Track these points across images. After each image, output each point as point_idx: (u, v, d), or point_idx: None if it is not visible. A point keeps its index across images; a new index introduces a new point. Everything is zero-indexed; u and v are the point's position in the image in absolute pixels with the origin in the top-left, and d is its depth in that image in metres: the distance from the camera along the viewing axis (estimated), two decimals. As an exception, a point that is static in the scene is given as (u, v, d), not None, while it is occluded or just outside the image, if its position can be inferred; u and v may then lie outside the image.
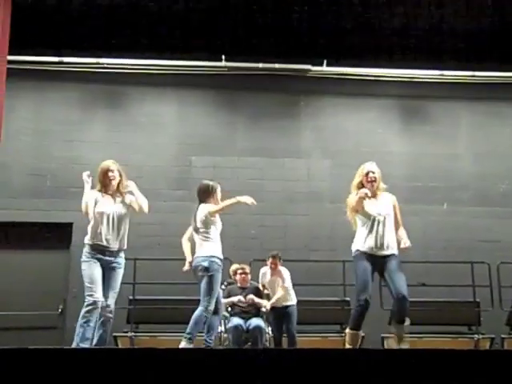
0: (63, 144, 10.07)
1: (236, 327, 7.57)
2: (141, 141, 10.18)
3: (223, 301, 7.39)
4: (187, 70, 10.25)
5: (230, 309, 7.84)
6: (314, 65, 10.35)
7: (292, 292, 7.96)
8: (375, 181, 6.11)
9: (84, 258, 6.01)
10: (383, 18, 9.77)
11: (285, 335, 7.81)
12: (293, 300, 7.94)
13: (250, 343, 7.64)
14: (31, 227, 9.55)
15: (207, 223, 6.62)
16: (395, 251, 5.93)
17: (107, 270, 5.97)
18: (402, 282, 5.70)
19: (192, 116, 10.44)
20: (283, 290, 7.85)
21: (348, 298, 8.57)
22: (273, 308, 7.81)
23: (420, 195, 10.14)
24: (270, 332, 7.89)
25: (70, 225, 9.52)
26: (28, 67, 10.03)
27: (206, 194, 6.88)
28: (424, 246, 9.66)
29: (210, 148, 10.23)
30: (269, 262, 8.00)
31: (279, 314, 7.87)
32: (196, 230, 6.69)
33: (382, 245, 5.87)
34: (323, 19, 9.78)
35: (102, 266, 5.95)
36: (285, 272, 8.01)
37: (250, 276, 8.09)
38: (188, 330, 6.24)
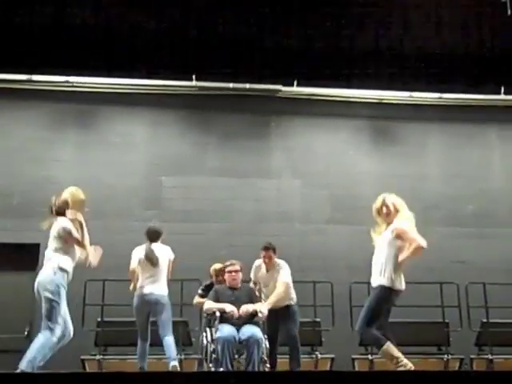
0: (32, 163, 9.95)
1: (227, 338, 6.36)
2: (112, 160, 10.11)
3: (210, 305, 6.68)
4: (158, 89, 10.24)
5: (217, 314, 6.63)
6: (284, 85, 10.40)
7: (292, 289, 6.99)
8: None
9: None
10: (353, 40, 9.89)
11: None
12: (294, 299, 6.98)
13: (242, 356, 6.57)
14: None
15: None
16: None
17: None
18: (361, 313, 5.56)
19: (163, 136, 10.40)
20: (283, 287, 6.78)
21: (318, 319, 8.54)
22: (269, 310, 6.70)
23: (390, 216, 10.18)
24: (267, 343, 6.61)
25: (37, 246, 9.38)
26: (-4, 85, 9.95)
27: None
28: (394, 266, 9.70)
29: (181, 168, 10.20)
30: (262, 255, 7.00)
31: (277, 315, 6.78)
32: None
33: None
34: (294, 40, 9.87)
35: None
36: (283, 266, 6.97)
37: (241, 274, 6.92)
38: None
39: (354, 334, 7.44)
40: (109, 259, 9.18)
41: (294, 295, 6.97)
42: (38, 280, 5.87)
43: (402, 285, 5.69)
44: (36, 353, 5.73)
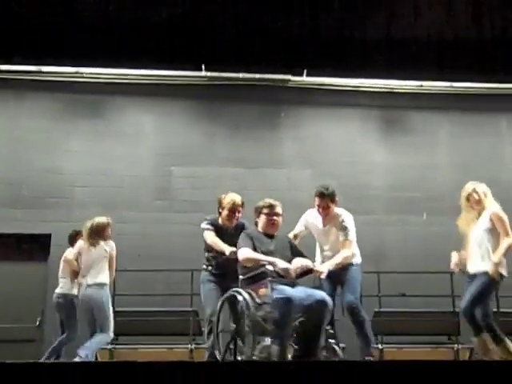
0: (42, 154, 9.98)
1: (290, 300, 4.77)
2: (121, 151, 10.12)
3: (255, 256, 5.13)
4: (168, 79, 10.23)
5: (270, 268, 4.99)
6: (294, 75, 10.37)
7: (357, 248, 5.89)
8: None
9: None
10: (363, 29, 9.86)
11: None
12: (357, 257, 5.85)
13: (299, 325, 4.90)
14: (7, 238, 9.43)
15: None
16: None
17: None
18: None
19: (172, 126, 10.41)
20: (350, 246, 5.66)
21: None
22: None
23: (400, 205, 10.19)
24: None
25: (49, 236, 9.44)
26: (6, 76, 9.97)
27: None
28: (404, 256, 9.71)
29: (191, 158, 10.20)
30: (316, 204, 5.73)
31: (334, 278, 5.56)
32: None
33: None
34: (304, 29, 9.85)
35: None
36: (346, 216, 5.77)
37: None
38: None
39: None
40: (119, 249, 9.28)
41: (358, 253, 5.90)
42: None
43: (505, 270, 5.79)
44: (95, 346, 6.60)
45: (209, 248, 5.99)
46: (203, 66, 10.15)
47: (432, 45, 10.02)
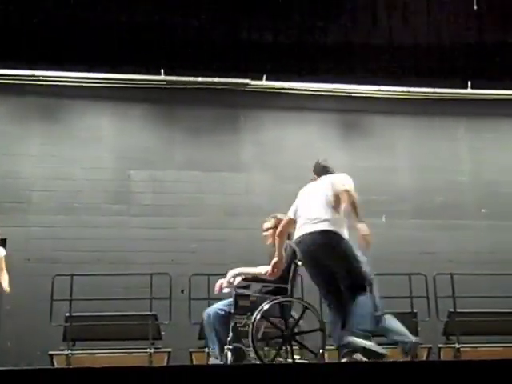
0: (-3, 158, 9.81)
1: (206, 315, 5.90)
2: (79, 154, 10.00)
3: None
4: (127, 83, 10.15)
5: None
6: (253, 79, 10.38)
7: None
8: None
9: None
10: (321, 34, 9.91)
11: None
12: None
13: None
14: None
15: None
16: None
17: None
18: None
19: (131, 130, 10.33)
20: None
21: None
22: None
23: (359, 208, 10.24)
24: None
25: (4, 240, 9.26)
26: (-40, 79, 9.79)
27: None
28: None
29: (149, 162, 10.13)
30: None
31: None
32: None
33: None
34: (263, 34, 9.86)
35: None
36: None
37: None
38: None
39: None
40: (77, 254, 9.14)
41: None
42: None
43: None
44: None
45: None
46: (162, 70, 10.09)
47: (390, 50, 10.12)
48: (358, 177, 10.30)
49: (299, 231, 5.61)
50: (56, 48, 9.51)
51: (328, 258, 5.50)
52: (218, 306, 5.85)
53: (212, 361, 5.69)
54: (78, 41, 9.50)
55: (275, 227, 5.97)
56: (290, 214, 5.82)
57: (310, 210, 5.64)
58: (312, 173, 6.11)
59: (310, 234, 5.49)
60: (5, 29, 9.30)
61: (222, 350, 5.52)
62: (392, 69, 10.29)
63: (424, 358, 7.84)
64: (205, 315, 5.90)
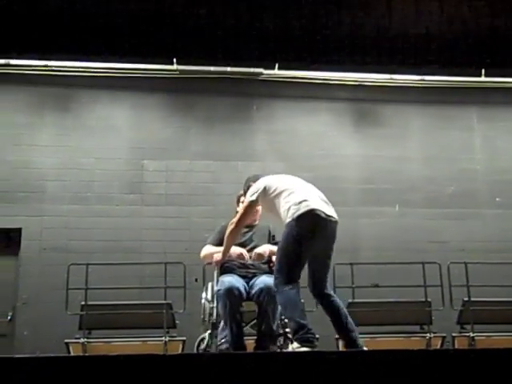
0: (11, 148, 9.86)
1: (230, 290, 4.84)
2: (92, 144, 10.04)
3: (212, 249, 5.29)
4: (139, 73, 10.16)
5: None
6: (266, 68, 10.37)
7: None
8: None
9: None
10: (333, 23, 9.87)
11: None
12: None
13: (254, 320, 5.06)
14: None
15: None
16: None
17: None
18: None
19: (144, 119, 10.34)
20: None
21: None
22: None
23: (372, 197, 10.26)
24: None
25: (19, 230, 9.35)
26: (-26, 70, 9.84)
27: None
28: (377, 247, 9.80)
29: (163, 151, 10.15)
30: None
31: None
32: None
33: None
34: (274, 23, 9.84)
35: None
36: None
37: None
38: None
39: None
40: (91, 243, 9.20)
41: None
42: None
43: None
44: None
45: None
46: (175, 60, 10.10)
47: (403, 39, 10.07)
48: (371, 166, 10.47)
49: (315, 203, 4.80)
50: (68, 38, 9.53)
51: (331, 250, 5.00)
52: (260, 281, 4.96)
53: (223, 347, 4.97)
54: (91, 31, 9.52)
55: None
56: (253, 197, 5.06)
57: (316, 190, 5.04)
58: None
59: (335, 223, 4.90)
60: (18, 19, 9.33)
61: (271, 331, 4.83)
62: (404, 57, 10.25)
63: (438, 347, 7.87)
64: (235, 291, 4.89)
